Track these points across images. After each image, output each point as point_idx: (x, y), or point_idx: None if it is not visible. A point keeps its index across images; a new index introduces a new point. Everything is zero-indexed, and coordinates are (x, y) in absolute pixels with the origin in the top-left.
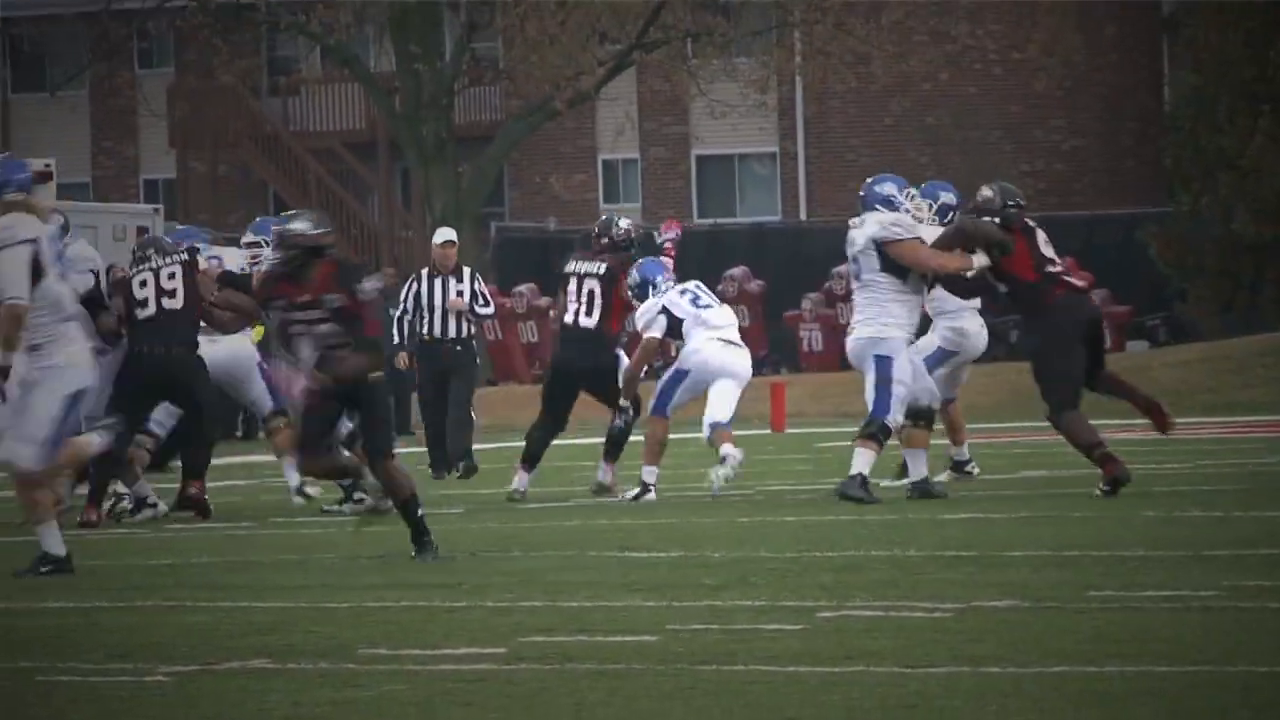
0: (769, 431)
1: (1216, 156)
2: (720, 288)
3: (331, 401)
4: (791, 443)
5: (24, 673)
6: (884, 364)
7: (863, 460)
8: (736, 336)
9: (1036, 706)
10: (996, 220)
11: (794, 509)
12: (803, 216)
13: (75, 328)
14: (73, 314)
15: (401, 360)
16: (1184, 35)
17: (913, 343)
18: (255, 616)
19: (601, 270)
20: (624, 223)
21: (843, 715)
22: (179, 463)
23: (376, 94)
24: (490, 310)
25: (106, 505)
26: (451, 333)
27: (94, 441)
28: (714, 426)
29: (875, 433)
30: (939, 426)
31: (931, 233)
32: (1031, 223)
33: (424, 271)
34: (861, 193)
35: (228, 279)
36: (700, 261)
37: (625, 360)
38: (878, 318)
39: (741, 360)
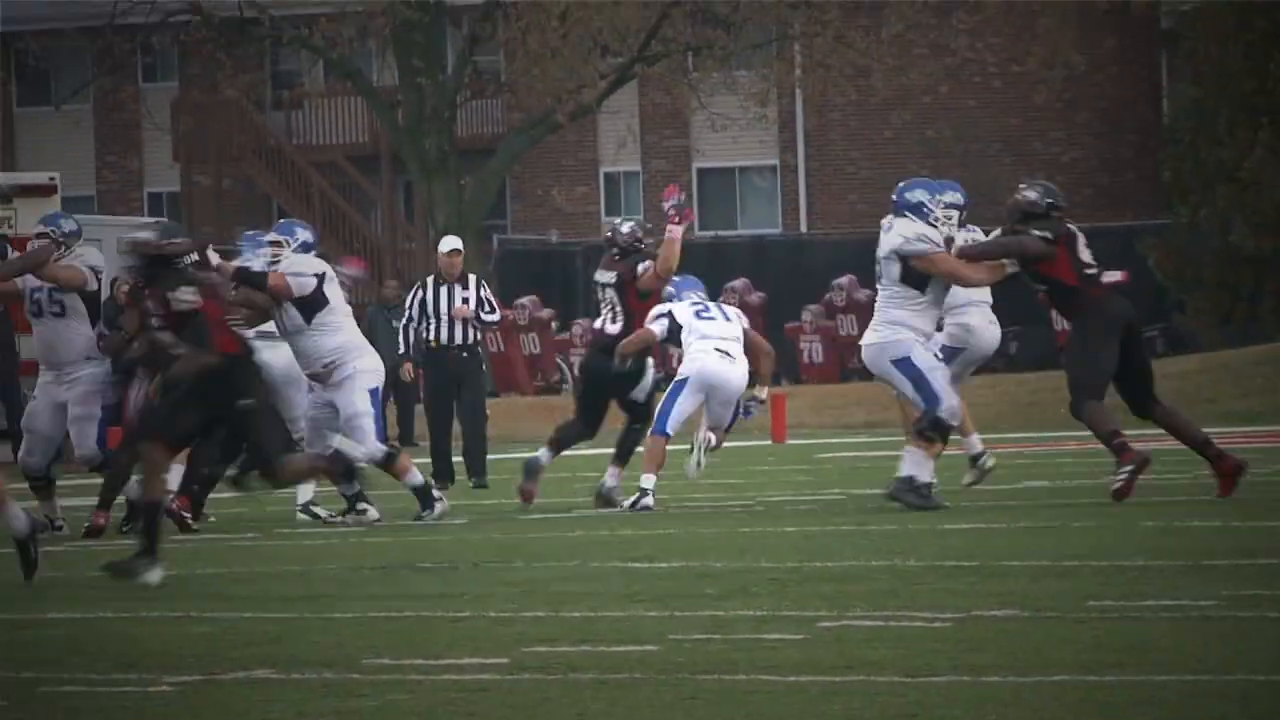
0: (769, 442)
1: (1216, 169)
2: (721, 300)
3: (190, 416)
4: (792, 454)
5: (28, 683)
6: (905, 365)
7: (912, 461)
8: (734, 348)
9: (1036, 716)
10: (1039, 224)
11: (794, 519)
12: (803, 229)
13: None
14: None
15: (406, 372)
16: (1184, 48)
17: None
18: (259, 627)
19: (614, 279)
20: (626, 226)
21: None
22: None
23: (379, 107)
24: (496, 318)
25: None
26: (458, 340)
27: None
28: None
29: (926, 429)
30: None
31: (959, 236)
32: (1073, 227)
33: (430, 279)
34: (893, 196)
35: (244, 276)
36: (701, 274)
37: (652, 366)
38: (887, 324)
39: (734, 371)
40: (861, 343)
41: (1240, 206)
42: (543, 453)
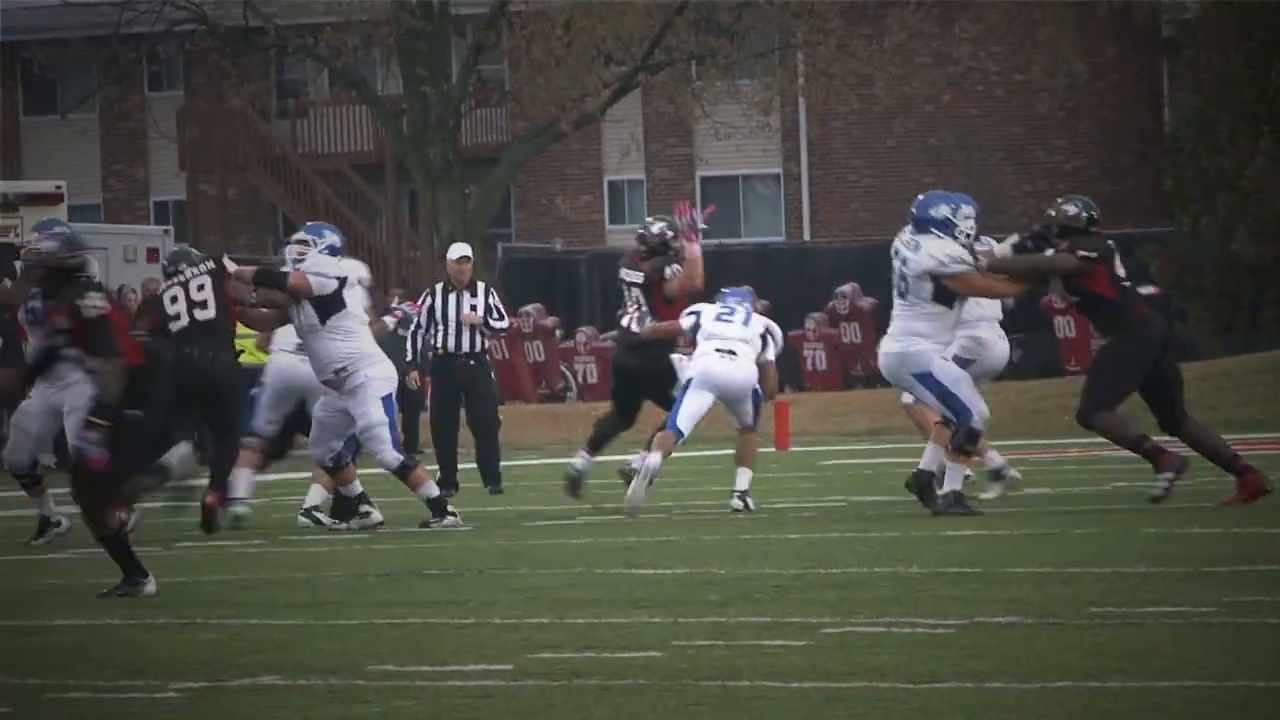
0: (773, 450)
1: (1217, 177)
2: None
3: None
4: (795, 461)
5: (34, 690)
6: (928, 380)
7: (955, 476)
8: (739, 347)
9: None
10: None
11: (798, 526)
12: (806, 237)
13: None
14: None
15: (413, 380)
16: (1185, 56)
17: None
18: (265, 633)
19: (641, 280)
20: (656, 226)
21: None
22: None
23: (384, 116)
24: (505, 324)
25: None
26: (466, 347)
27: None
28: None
29: (962, 443)
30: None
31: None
32: (1111, 242)
33: (439, 286)
34: (913, 209)
35: (263, 276)
36: (705, 282)
37: (678, 362)
38: (906, 334)
39: (735, 368)
40: (880, 350)
41: (1241, 215)
42: (581, 459)
